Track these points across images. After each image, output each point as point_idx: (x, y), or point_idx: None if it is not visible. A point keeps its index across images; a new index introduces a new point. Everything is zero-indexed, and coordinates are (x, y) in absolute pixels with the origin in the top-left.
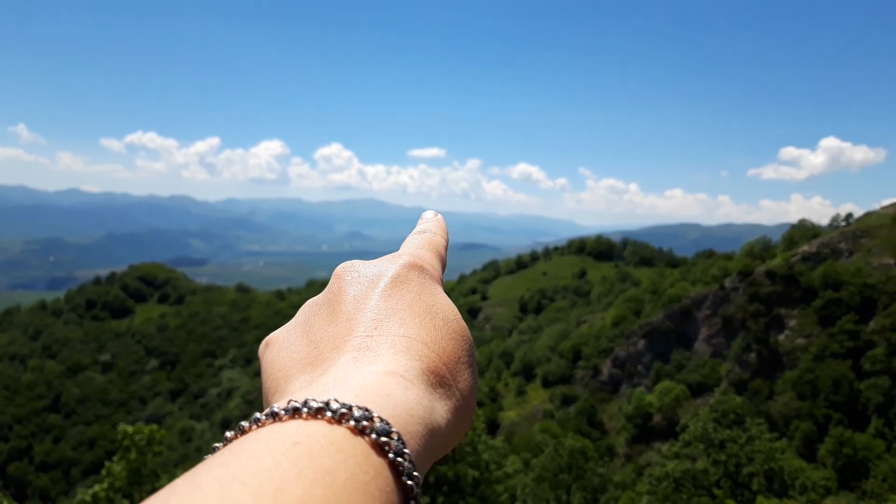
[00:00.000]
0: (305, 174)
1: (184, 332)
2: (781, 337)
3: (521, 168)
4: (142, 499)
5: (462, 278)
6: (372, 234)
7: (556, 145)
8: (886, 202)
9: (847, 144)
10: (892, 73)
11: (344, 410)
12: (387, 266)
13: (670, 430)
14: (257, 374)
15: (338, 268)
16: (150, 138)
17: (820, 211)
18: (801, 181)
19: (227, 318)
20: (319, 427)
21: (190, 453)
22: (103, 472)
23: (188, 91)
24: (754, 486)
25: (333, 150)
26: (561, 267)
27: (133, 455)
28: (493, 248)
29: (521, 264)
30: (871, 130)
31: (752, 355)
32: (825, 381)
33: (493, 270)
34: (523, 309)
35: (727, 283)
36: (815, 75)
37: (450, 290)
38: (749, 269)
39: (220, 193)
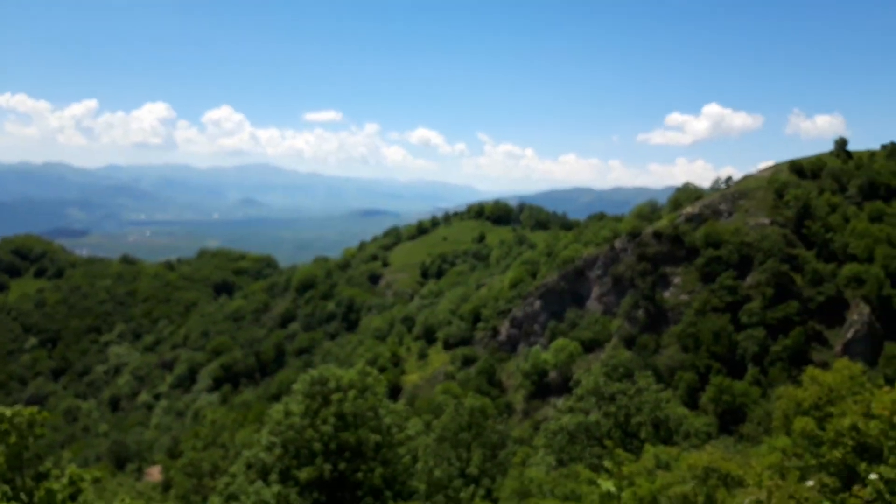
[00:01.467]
0: (193, 138)
1: (65, 308)
2: (667, 294)
3: (420, 133)
4: (24, 484)
5: (363, 245)
6: (267, 201)
7: (455, 110)
8: (763, 165)
9: (728, 111)
10: (768, 43)
11: None
12: None
13: (565, 386)
14: (147, 349)
15: None
16: (20, 101)
17: (703, 174)
18: (686, 146)
19: (113, 292)
20: None
21: (77, 433)
22: None
23: (61, 49)
24: (642, 435)
25: (223, 114)
26: (461, 232)
27: (13, 439)
28: (394, 214)
29: (422, 230)
30: (750, 97)
31: (641, 312)
32: (706, 333)
33: (395, 237)
34: (425, 274)
35: (617, 243)
36: (700, 43)
37: (350, 258)
38: (637, 230)
39: (101, 160)
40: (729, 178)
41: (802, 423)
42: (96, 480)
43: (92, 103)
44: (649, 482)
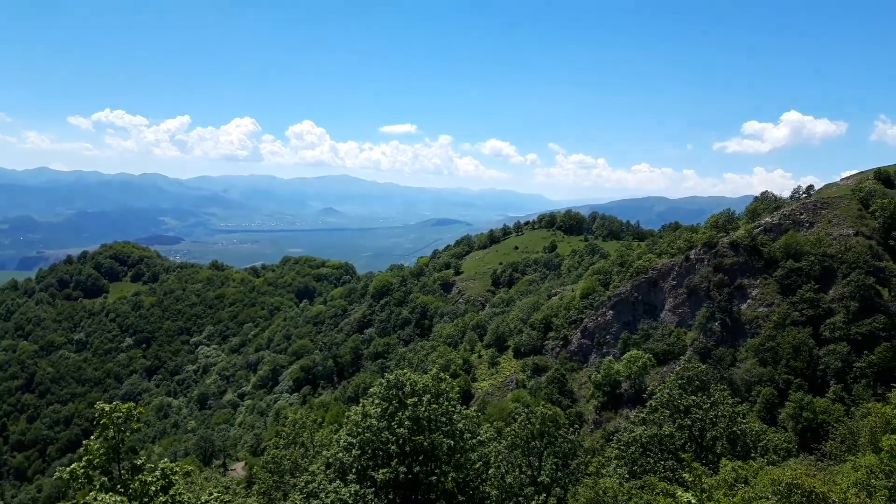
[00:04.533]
0: (278, 151)
1: (159, 310)
2: (744, 306)
3: (492, 144)
4: (120, 475)
5: (436, 253)
6: (345, 211)
7: (526, 121)
8: (846, 174)
9: (809, 118)
10: (853, 49)
11: None
12: None
13: (637, 398)
14: (234, 350)
15: None
16: (118, 116)
17: (782, 183)
18: (763, 154)
19: (203, 295)
20: None
21: (167, 429)
22: (81, 450)
23: (156, 68)
24: (717, 449)
25: (305, 127)
26: (532, 241)
27: (111, 433)
28: (466, 223)
29: (494, 239)
30: (832, 104)
31: (716, 324)
32: (786, 347)
33: (466, 245)
34: (496, 282)
35: (692, 254)
36: (779, 50)
37: (424, 266)
38: (713, 240)
39: (192, 171)
40: (810, 188)
41: (891, 441)
42: (186, 474)
43: (185, 118)
44: (728, 497)
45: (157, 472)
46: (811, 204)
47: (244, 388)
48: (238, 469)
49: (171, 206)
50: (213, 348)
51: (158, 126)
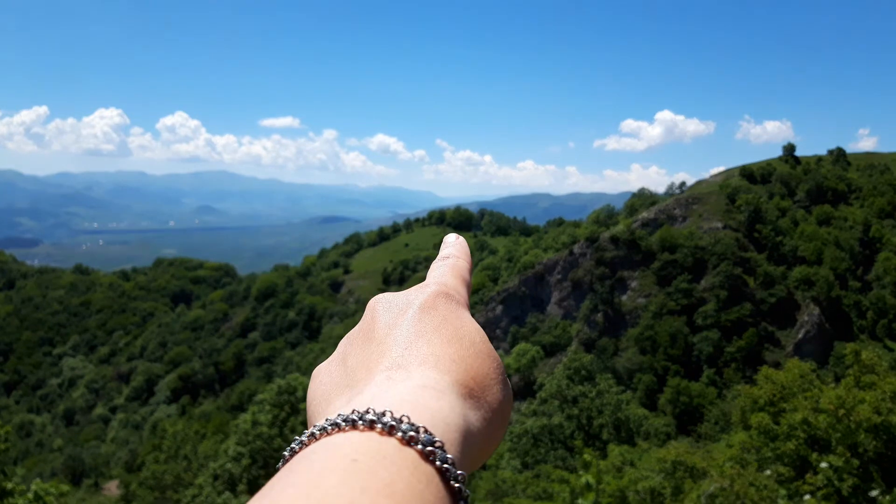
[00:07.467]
0: (147, 145)
1: (16, 319)
2: (624, 297)
3: (380, 139)
4: None
5: (323, 252)
6: (224, 209)
7: (414, 117)
8: (715, 171)
9: (680, 117)
10: (721, 49)
11: (392, 423)
12: (415, 295)
13: (528, 390)
14: (103, 360)
15: (370, 300)
16: None
17: (657, 179)
18: (640, 152)
19: (66, 303)
20: (372, 441)
21: (30, 448)
22: None
23: (7, 53)
24: (604, 436)
25: (178, 120)
26: (422, 238)
27: None
28: (354, 220)
29: (383, 236)
30: (702, 104)
31: (599, 315)
32: (663, 336)
33: (356, 243)
34: (386, 281)
35: (576, 248)
36: (652, 51)
37: (311, 265)
38: (595, 235)
39: (51, 167)
40: (682, 184)
41: (758, 419)
42: (62, 495)
43: (42, 109)
44: (616, 479)
45: (30, 495)
46: (683, 199)
47: (116, 401)
48: (112, 488)
49: (28, 205)
50: (80, 359)
51: (12, 118)
